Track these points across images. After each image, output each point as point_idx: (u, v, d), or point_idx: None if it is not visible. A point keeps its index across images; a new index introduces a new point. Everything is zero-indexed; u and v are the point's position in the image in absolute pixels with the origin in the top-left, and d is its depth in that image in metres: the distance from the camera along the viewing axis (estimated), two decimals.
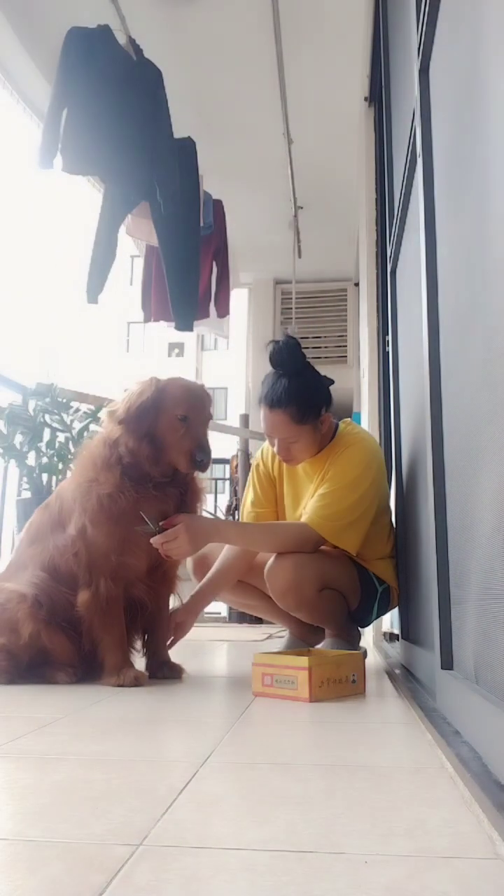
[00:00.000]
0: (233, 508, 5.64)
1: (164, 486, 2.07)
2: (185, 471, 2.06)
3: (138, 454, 2.02)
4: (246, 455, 5.64)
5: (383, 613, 2.52)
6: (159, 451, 2.03)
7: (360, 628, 2.53)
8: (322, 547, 2.32)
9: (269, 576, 2.28)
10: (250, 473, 2.65)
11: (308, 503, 2.34)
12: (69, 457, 3.67)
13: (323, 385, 2.41)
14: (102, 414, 2.16)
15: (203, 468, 2.05)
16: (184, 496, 2.12)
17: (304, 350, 2.42)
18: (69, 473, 2.28)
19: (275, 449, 2.41)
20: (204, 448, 2.02)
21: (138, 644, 2.23)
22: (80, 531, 2.04)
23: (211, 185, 4.47)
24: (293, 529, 2.29)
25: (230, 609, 4.73)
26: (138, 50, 3.46)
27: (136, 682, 1.98)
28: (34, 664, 2.04)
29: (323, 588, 2.26)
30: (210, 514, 6.42)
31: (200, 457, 2.01)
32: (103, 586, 2.02)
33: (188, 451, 2.01)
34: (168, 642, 2.26)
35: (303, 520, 2.29)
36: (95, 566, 2.02)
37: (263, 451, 2.63)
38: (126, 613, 2.10)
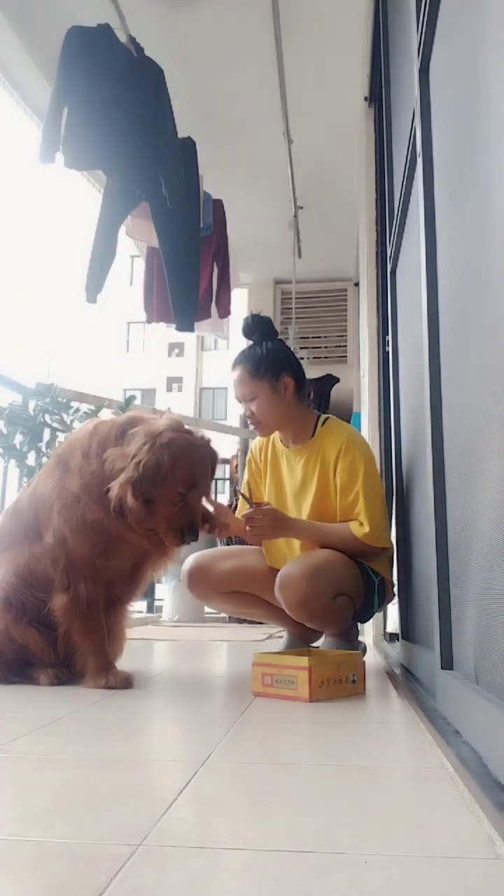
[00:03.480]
0: (233, 509, 5.63)
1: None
2: (170, 544, 2.02)
3: (131, 512, 1.95)
4: (245, 455, 5.64)
5: (382, 607, 2.52)
6: (150, 516, 1.97)
7: (361, 623, 2.55)
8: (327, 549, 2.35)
9: (282, 589, 2.27)
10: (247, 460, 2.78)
11: (356, 509, 2.36)
12: None
13: (288, 355, 2.55)
14: (111, 458, 1.99)
15: (187, 544, 2.04)
16: (159, 544, 2.06)
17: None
18: (41, 472, 2.23)
19: (246, 414, 2.52)
20: (194, 529, 2.01)
21: (122, 644, 2.24)
22: (59, 539, 2.02)
23: (211, 185, 4.47)
24: (352, 540, 2.34)
25: None
26: (139, 48, 3.47)
27: (126, 682, 1.97)
28: (17, 661, 2.05)
29: (336, 596, 2.27)
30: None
31: (189, 538, 2.00)
32: (83, 589, 2.00)
33: (179, 529, 1.98)
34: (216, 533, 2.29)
35: (357, 532, 2.33)
36: (75, 569, 2.01)
37: (253, 446, 2.72)
38: (107, 614, 2.10)
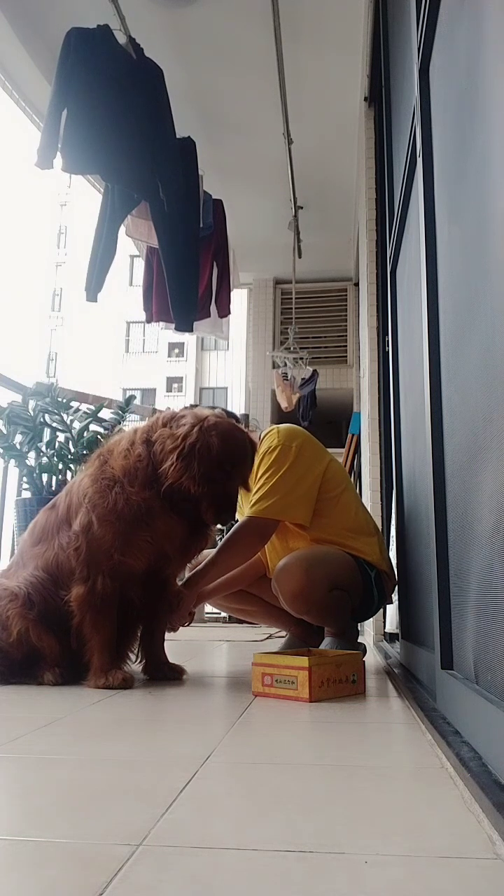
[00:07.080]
0: None
1: (183, 512, 2.09)
2: (209, 522, 2.12)
3: (182, 489, 2.02)
4: None
5: (382, 604, 2.51)
6: (197, 496, 2.04)
7: (366, 620, 2.53)
8: (313, 542, 2.35)
9: (279, 580, 2.28)
10: None
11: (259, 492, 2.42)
12: (69, 457, 3.67)
13: None
14: (161, 438, 2.08)
15: (223, 524, 2.20)
16: (194, 529, 2.14)
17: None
18: (79, 472, 2.27)
19: None
20: (232, 509, 2.13)
21: (134, 647, 2.23)
22: (84, 527, 2.04)
23: (211, 185, 4.48)
24: (243, 529, 2.35)
25: None
26: (138, 49, 3.46)
27: (124, 683, 1.96)
28: (26, 663, 2.05)
29: (332, 589, 2.27)
30: None
31: (227, 516, 2.11)
32: (101, 583, 2.02)
33: (218, 506, 2.07)
34: (171, 624, 2.30)
35: (246, 513, 2.36)
36: (95, 562, 2.02)
37: None
38: (121, 616, 2.10)
